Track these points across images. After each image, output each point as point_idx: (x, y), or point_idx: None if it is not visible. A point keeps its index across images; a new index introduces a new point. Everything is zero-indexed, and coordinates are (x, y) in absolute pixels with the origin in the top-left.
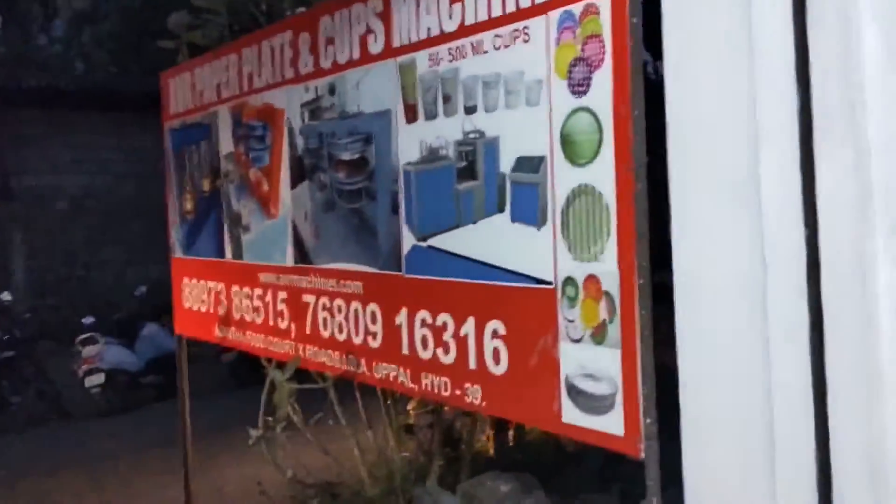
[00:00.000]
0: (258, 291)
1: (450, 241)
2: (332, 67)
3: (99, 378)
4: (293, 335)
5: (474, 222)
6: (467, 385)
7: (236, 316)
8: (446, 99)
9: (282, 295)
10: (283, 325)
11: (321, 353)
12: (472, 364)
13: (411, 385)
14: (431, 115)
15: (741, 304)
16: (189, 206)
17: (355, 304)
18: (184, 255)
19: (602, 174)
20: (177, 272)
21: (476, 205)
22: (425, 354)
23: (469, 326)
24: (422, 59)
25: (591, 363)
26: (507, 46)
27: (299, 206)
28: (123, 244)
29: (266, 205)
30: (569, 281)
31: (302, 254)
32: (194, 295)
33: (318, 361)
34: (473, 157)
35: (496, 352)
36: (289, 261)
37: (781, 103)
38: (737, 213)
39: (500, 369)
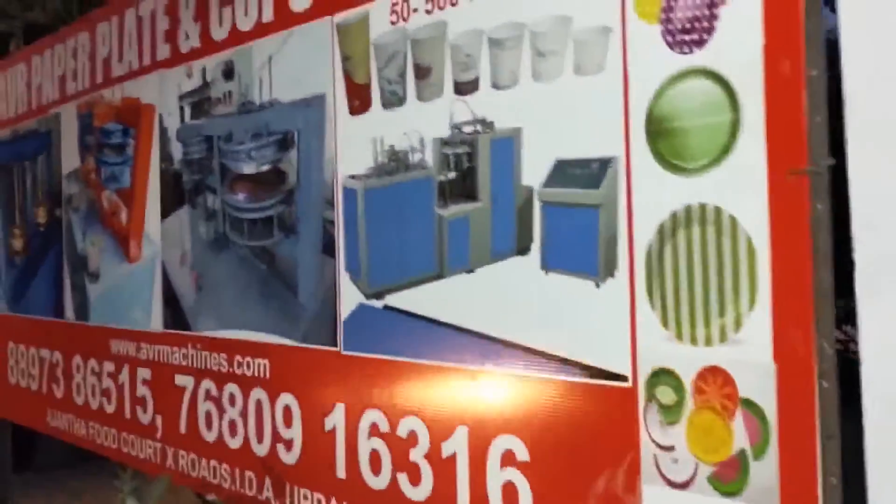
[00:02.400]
0: (109, 366)
1: (423, 300)
2: (228, 38)
3: None
4: (159, 434)
5: (470, 270)
6: None
7: (78, 400)
8: (422, 73)
9: (143, 374)
10: (144, 417)
11: (202, 464)
12: None
13: None
14: (394, 101)
15: None
16: (18, 244)
17: (258, 394)
18: (8, 310)
19: (736, 185)
20: None
21: (474, 241)
22: (377, 482)
23: (457, 443)
24: (379, 13)
25: None
26: None
27: (173, 244)
28: None
29: (124, 242)
30: (662, 376)
31: (175, 315)
32: (21, 367)
33: (196, 477)
34: (471, 165)
35: (510, 490)
36: (155, 324)
37: None
38: None
39: None
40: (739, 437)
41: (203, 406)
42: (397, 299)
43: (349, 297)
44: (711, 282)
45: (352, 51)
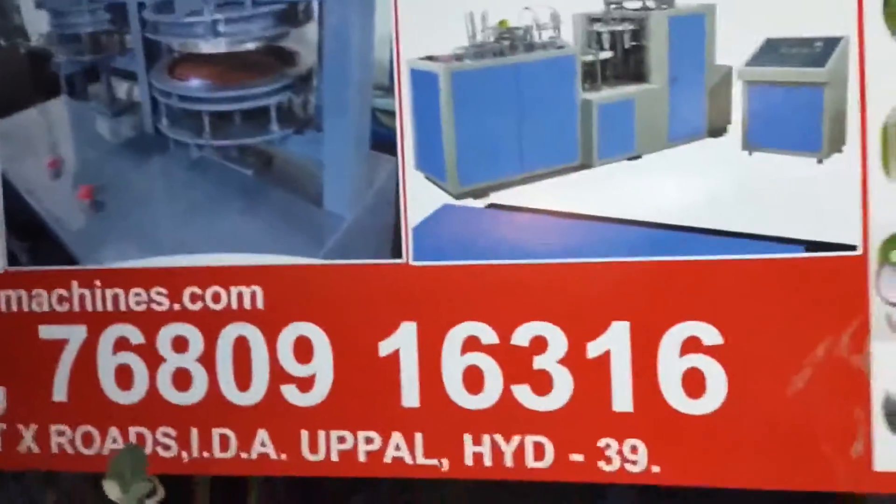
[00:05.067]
0: None
1: (560, 194)
2: None
3: None
4: (1, 410)
5: (635, 156)
6: (607, 442)
7: None
8: None
9: None
10: None
11: (113, 435)
12: (623, 403)
13: (425, 461)
14: None
15: None
16: None
17: (239, 330)
18: None
19: None
20: None
21: (643, 125)
22: (475, 400)
23: (615, 339)
24: None
25: None
26: None
27: (28, 149)
28: None
29: None
30: None
31: (37, 248)
32: None
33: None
34: (637, 44)
35: (693, 376)
36: None
37: None
38: None
39: (702, 405)
40: None
41: (109, 361)
42: (510, 196)
43: (423, 199)
44: None
45: None
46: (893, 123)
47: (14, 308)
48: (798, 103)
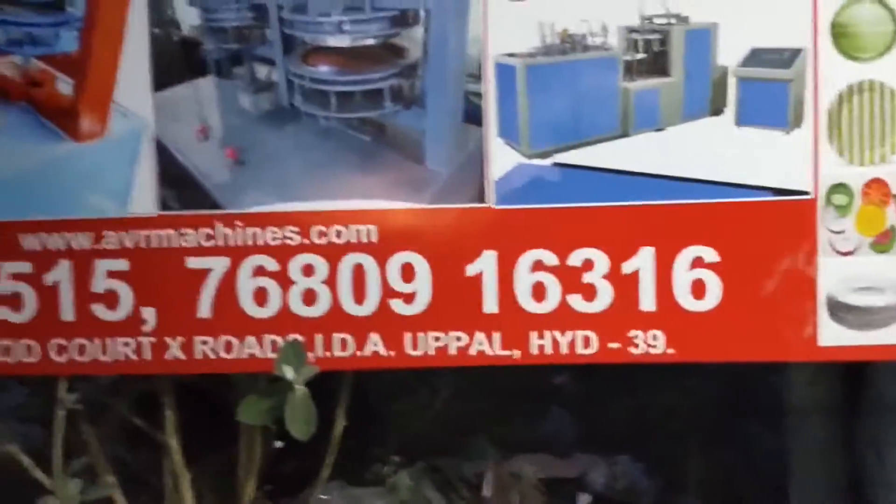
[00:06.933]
0: (18, 267)
1: (605, 155)
2: None
3: None
4: (150, 327)
5: (660, 129)
6: (636, 333)
7: None
8: None
9: (109, 266)
10: (113, 314)
11: (247, 342)
12: (648, 305)
13: (501, 352)
14: None
15: None
16: None
17: (356, 259)
18: None
19: (894, 70)
20: None
21: (665, 106)
22: (540, 307)
23: (643, 260)
24: None
25: (870, 275)
26: None
27: (180, 117)
28: None
29: (61, 118)
30: (837, 189)
31: (186, 195)
32: None
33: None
34: (662, 49)
35: (698, 285)
36: (141, 208)
37: None
38: None
39: (704, 304)
40: (892, 217)
41: (248, 284)
42: (569, 156)
43: (502, 159)
44: (876, 126)
45: None
46: (835, 109)
47: (164, 244)
48: (772, 93)
